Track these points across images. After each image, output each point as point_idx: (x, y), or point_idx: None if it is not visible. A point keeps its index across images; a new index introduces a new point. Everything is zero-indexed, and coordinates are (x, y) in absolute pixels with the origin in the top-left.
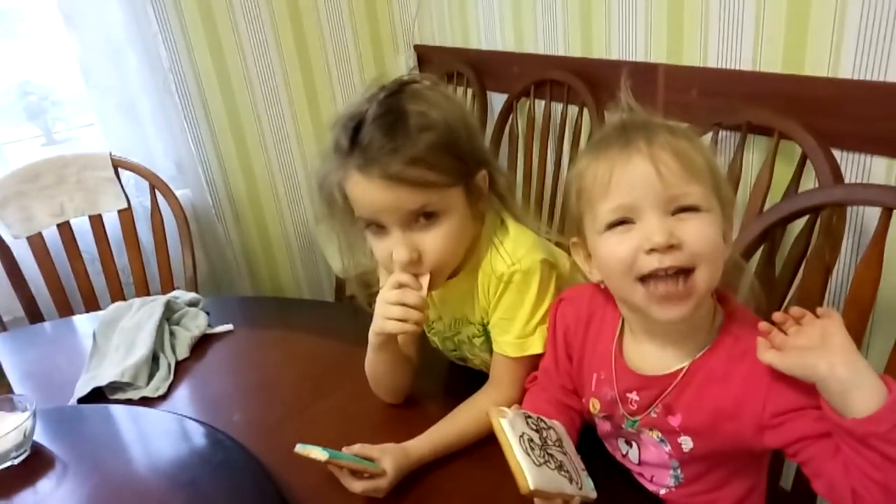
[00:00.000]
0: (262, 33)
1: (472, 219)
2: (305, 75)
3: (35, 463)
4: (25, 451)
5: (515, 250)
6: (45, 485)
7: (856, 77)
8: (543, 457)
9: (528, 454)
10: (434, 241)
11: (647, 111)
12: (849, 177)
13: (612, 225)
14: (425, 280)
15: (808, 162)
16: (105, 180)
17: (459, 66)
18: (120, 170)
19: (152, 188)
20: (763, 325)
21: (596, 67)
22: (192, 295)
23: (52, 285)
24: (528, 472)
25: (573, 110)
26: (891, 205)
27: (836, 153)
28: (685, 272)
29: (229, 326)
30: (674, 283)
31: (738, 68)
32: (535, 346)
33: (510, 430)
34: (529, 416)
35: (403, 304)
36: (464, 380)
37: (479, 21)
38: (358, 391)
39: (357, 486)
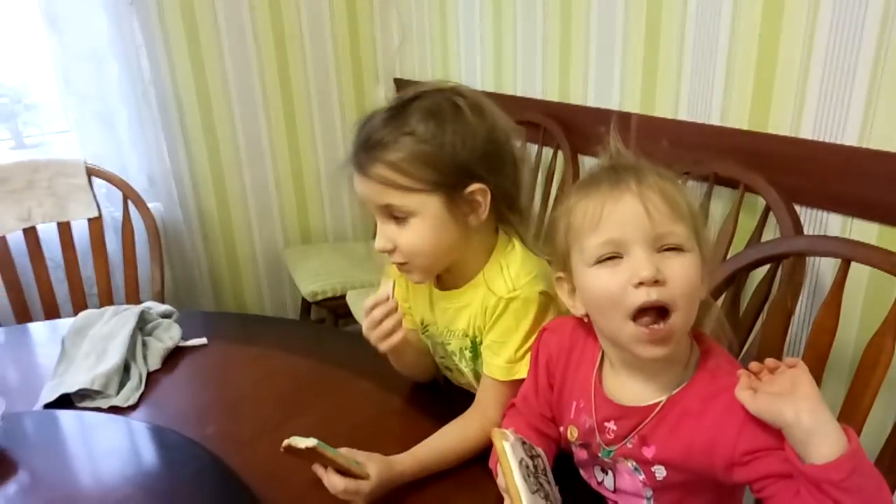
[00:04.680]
0: (245, 54)
1: (455, 227)
2: (285, 97)
3: None
4: None
5: (519, 276)
6: (9, 492)
7: (815, 138)
8: (536, 485)
9: (525, 481)
10: (405, 237)
11: (634, 156)
12: (807, 230)
13: (601, 260)
14: (388, 285)
15: (771, 214)
16: (77, 188)
17: None
18: (92, 179)
19: (125, 199)
20: (742, 372)
21: (572, 112)
22: (165, 307)
23: (11, 290)
24: (525, 499)
25: (548, 152)
26: (849, 257)
27: (797, 208)
28: (664, 313)
29: (203, 340)
30: (658, 320)
31: (707, 122)
32: (523, 371)
33: (512, 455)
34: (524, 443)
35: (378, 324)
36: (446, 401)
37: (460, 58)
38: (333, 410)
39: (340, 483)
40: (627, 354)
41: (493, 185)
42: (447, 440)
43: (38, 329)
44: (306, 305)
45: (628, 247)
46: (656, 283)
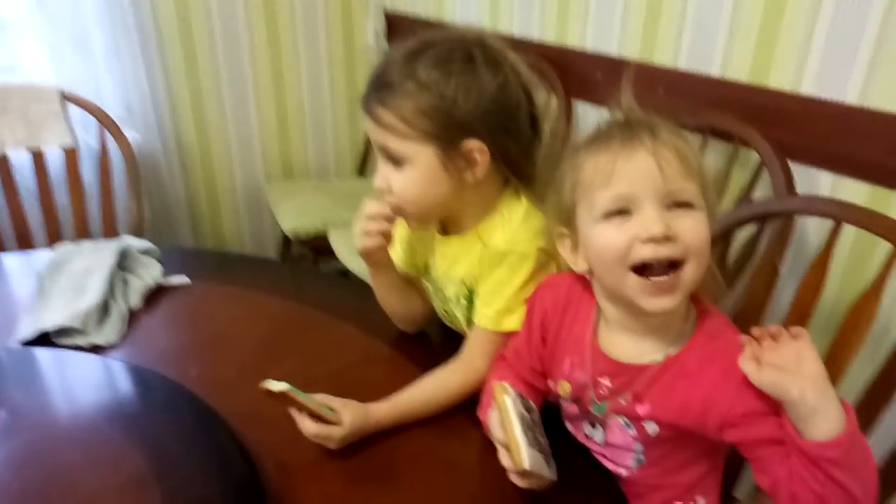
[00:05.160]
0: None
1: (448, 180)
2: (269, 26)
3: None
4: None
5: (519, 231)
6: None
7: (816, 95)
8: (533, 439)
9: (525, 435)
10: (397, 182)
11: (646, 112)
12: (798, 187)
13: (610, 215)
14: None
15: (764, 170)
16: (51, 114)
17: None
18: (67, 105)
19: (101, 127)
20: (746, 339)
21: (569, 57)
22: (145, 243)
23: None
24: (524, 452)
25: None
26: (842, 218)
27: (789, 164)
28: (675, 265)
29: (185, 279)
30: (664, 274)
31: (707, 74)
32: (512, 324)
33: (513, 409)
34: (521, 396)
35: (368, 217)
36: (432, 349)
37: None
38: (315, 355)
39: (311, 428)
40: (626, 313)
41: (493, 145)
42: (429, 388)
43: (12, 261)
44: (286, 241)
45: (639, 203)
46: (667, 239)
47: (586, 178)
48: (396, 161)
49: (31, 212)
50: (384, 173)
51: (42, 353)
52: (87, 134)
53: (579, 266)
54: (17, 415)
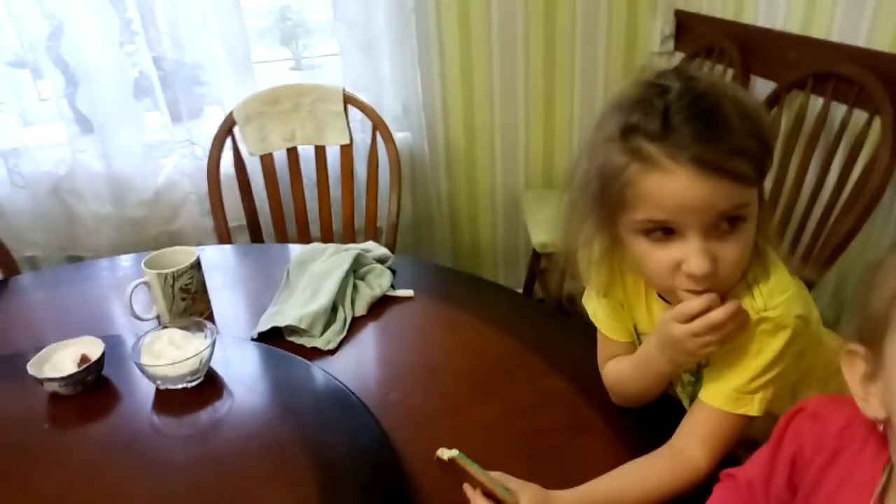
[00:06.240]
0: None
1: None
2: (547, 30)
3: (207, 390)
4: (199, 377)
5: (772, 295)
6: (213, 412)
7: None
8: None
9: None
10: (733, 251)
11: None
12: None
13: None
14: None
15: None
16: (334, 114)
17: (723, 42)
18: (349, 106)
19: (374, 129)
20: None
21: None
22: (382, 250)
23: (272, 202)
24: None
25: (860, 116)
26: None
27: None
28: None
29: (410, 293)
30: None
31: None
32: (753, 407)
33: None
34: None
35: (715, 329)
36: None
37: None
38: (518, 406)
39: None
40: None
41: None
42: (628, 478)
43: (281, 252)
44: (536, 254)
45: None
46: None
47: None
48: (735, 224)
49: (311, 200)
50: (706, 251)
51: (262, 349)
52: (364, 132)
53: (870, 409)
54: (235, 401)
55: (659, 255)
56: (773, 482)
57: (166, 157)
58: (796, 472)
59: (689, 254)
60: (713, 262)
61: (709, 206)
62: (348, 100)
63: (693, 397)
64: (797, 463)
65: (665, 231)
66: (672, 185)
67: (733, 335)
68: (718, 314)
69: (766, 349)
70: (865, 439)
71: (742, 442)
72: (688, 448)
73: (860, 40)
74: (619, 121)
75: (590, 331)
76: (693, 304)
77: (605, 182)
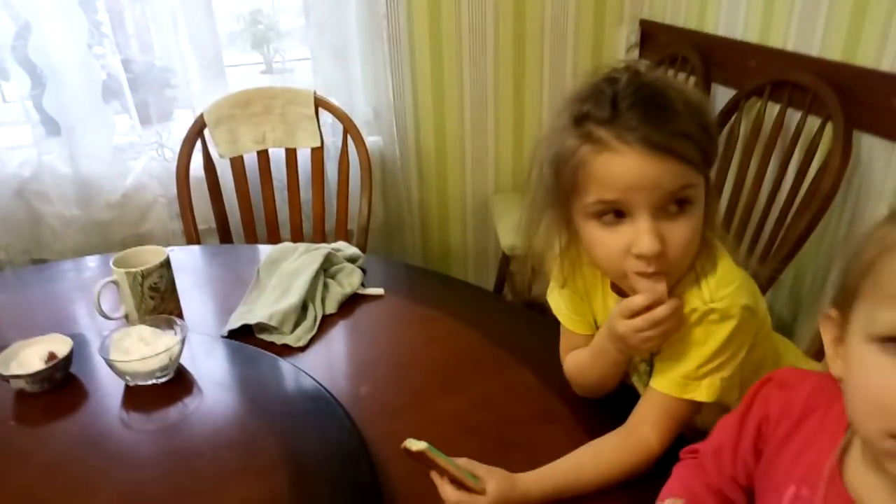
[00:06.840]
0: None
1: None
2: (517, 36)
3: (176, 386)
4: (169, 373)
5: (719, 286)
6: (183, 408)
7: None
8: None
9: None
10: (681, 232)
11: None
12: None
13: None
14: (663, 285)
15: None
16: (305, 117)
17: (686, 51)
18: (320, 109)
19: (345, 132)
20: None
21: (856, 77)
22: (353, 250)
23: (242, 205)
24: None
25: (813, 122)
26: None
27: None
28: None
29: (380, 291)
30: None
31: None
32: (700, 393)
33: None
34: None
35: (656, 325)
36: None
37: (720, 1)
38: (484, 398)
39: (452, 495)
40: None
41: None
42: (583, 459)
43: (249, 252)
44: (505, 256)
45: None
46: None
47: (886, 277)
48: (683, 207)
49: (281, 202)
50: (655, 231)
51: (238, 349)
52: (335, 136)
53: (836, 369)
54: (206, 397)
55: (610, 240)
56: (739, 448)
57: (135, 159)
58: (761, 438)
59: (639, 234)
60: (662, 243)
61: (657, 185)
62: (319, 103)
63: (647, 384)
64: (762, 429)
65: (616, 214)
66: (621, 164)
67: (674, 329)
68: (661, 311)
69: (712, 338)
70: (831, 403)
71: (694, 435)
72: (639, 428)
73: (814, 49)
74: (572, 111)
75: (555, 325)
76: (637, 300)
77: (558, 167)
